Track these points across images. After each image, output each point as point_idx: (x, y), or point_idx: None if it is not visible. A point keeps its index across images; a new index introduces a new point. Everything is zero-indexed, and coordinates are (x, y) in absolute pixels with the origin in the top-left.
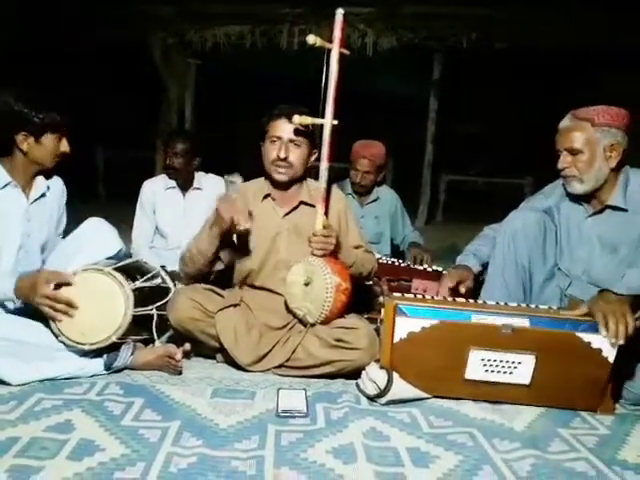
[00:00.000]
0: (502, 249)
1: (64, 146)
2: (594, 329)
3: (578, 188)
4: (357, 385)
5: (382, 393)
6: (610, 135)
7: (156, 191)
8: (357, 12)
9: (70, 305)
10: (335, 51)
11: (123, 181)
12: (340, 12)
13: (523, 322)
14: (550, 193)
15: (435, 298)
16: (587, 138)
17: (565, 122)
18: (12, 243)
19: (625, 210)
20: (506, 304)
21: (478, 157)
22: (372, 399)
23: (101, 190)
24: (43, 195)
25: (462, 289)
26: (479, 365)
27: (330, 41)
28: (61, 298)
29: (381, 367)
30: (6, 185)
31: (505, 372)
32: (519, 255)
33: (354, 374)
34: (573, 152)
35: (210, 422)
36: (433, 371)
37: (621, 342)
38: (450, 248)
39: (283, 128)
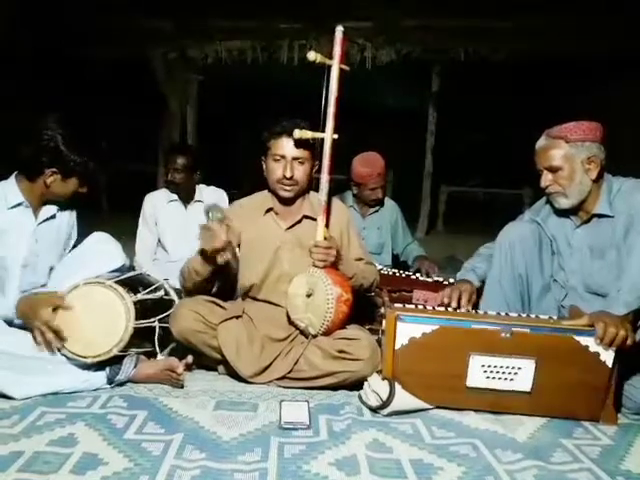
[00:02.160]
0: (499, 260)
1: (83, 188)
2: (592, 334)
3: (564, 203)
4: (359, 397)
5: (384, 404)
6: (585, 149)
7: (158, 204)
8: (356, 27)
9: (60, 337)
10: (335, 67)
11: (126, 194)
12: (340, 29)
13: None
14: (538, 210)
15: (436, 309)
16: (563, 155)
17: (540, 142)
18: (18, 261)
19: (611, 216)
20: (507, 314)
21: (477, 168)
22: (374, 410)
23: (104, 203)
24: (53, 216)
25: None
26: (480, 371)
27: (330, 57)
28: (54, 328)
29: (383, 378)
30: (18, 205)
31: (506, 378)
32: (516, 265)
33: (356, 385)
34: (552, 170)
35: (213, 435)
36: (435, 379)
37: (613, 347)
38: (450, 258)
39: (286, 146)
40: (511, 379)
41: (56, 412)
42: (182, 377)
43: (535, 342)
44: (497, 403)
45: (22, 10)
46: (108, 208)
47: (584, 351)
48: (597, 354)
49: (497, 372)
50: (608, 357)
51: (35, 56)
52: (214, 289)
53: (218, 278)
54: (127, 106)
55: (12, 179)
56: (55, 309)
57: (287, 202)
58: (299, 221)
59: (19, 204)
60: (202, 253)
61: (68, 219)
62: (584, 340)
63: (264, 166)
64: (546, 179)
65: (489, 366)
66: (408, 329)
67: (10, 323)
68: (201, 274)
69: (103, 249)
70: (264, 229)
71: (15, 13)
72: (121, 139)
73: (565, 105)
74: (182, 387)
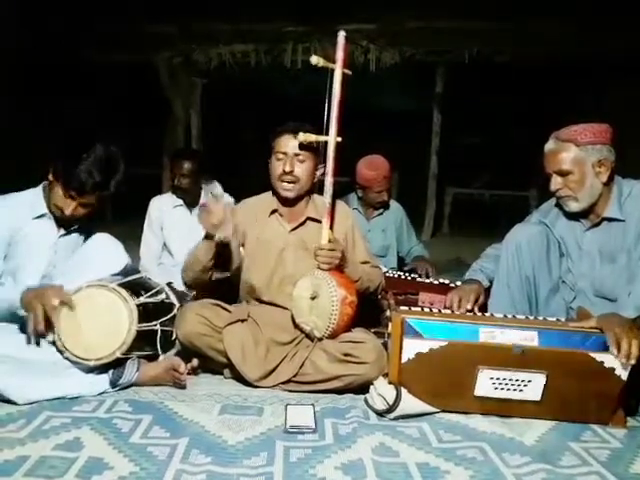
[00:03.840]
0: (507, 262)
1: (68, 208)
2: (604, 346)
3: (575, 206)
4: (365, 400)
5: (391, 408)
6: (596, 152)
7: (163, 209)
8: (359, 29)
9: (51, 324)
10: (338, 71)
11: (130, 198)
12: (342, 34)
13: (532, 338)
14: (546, 211)
15: (442, 312)
16: (573, 158)
17: (549, 145)
18: (36, 271)
19: (622, 220)
20: (514, 316)
21: (483, 170)
22: (380, 414)
23: (109, 207)
24: (74, 230)
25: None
26: (488, 384)
27: (333, 60)
28: (52, 317)
29: (389, 382)
30: (42, 215)
31: (515, 390)
32: (524, 267)
33: (362, 389)
34: (562, 174)
35: (218, 439)
36: (442, 389)
37: (632, 362)
38: (456, 261)
39: (287, 144)
40: (520, 390)
41: (62, 416)
42: (184, 377)
43: (547, 358)
44: (505, 409)
45: (26, 14)
46: (112, 212)
47: (599, 367)
48: (612, 369)
49: (506, 384)
50: (623, 372)
51: (40, 60)
52: (213, 277)
53: (217, 266)
54: (131, 110)
55: (39, 189)
56: (61, 304)
57: (289, 203)
58: (303, 223)
59: (43, 215)
60: (205, 235)
61: (87, 235)
62: (599, 357)
63: (270, 168)
64: (556, 183)
65: (498, 378)
66: (415, 344)
67: (13, 325)
68: (202, 261)
69: (106, 251)
70: (269, 230)
71: (17, 17)
72: (125, 143)
73: (568, 105)
74: (184, 388)
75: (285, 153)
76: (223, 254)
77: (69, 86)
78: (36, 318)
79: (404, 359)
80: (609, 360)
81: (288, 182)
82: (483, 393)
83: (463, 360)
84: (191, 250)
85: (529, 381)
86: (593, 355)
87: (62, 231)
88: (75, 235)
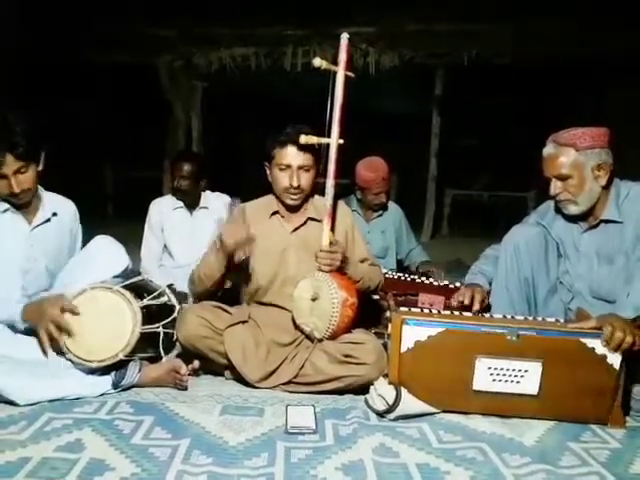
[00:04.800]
0: (505, 264)
1: (13, 185)
2: (599, 336)
3: (574, 210)
4: (366, 401)
5: (391, 409)
6: (595, 156)
7: (164, 211)
8: (359, 32)
9: (68, 334)
10: (340, 74)
11: (131, 201)
12: (345, 36)
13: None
14: (544, 213)
15: (442, 313)
16: (572, 163)
17: (548, 149)
18: (15, 268)
19: (619, 222)
20: (513, 317)
21: (481, 171)
22: (381, 415)
23: (110, 210)
24: (48, 220)
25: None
26: (486, 374)
27: (334, 62)
28: (63, 326)
29: (389, 382)
30: (6, 210)
31: (512, 381)
32: (522, 269)
33: (362, 389)
34: (562, 178)
35: (219, 440)
36: (441, 383)
37: (617, 353)
38: (456, 262)
39: (291, 155)
40: (517, 382)
41: (63, 418)
42: (185, 378)
43: (542, 345)
44: (504, 407)
45: (26, 14)
46: (113, 214)
47: (591, 354)
48: (604, 356)
49: (504, 375)
50: (615, 360)
51: (40, 60)
52: (219, 293)
53: (227, 280)
54: (132, 113)
55: None
56: (62, 311)
57: (293, 208)
58: (304, 223)
59: (7, 210)
60: (223, 249)
61: (70, 223)
62: (590, 342)
63: (268, 171)
64: (556, 187)
65: (495, 368)
66: (414, 332)
67: (13, 329)
68: (212, 277)
69: (106, 252)
70: (270, 232)
71: (17, 17)
72: (126, 145)
73: (568, 106)
74: (186, 389)
75: (289, 166)
76: (234, 265)
77: (69, 86)
78: (43, 343)
79: (403, 349)
80: (600, 347)
81: (294, 194)
82: (482, 386)
83: (460, 348)
84: (197, 269)
85: (526, 371)
86: (584, 341)
87: (35, 223)
88: (49, 225)
